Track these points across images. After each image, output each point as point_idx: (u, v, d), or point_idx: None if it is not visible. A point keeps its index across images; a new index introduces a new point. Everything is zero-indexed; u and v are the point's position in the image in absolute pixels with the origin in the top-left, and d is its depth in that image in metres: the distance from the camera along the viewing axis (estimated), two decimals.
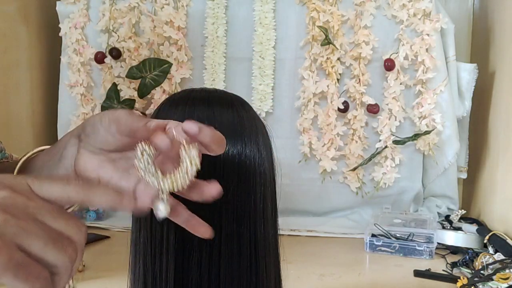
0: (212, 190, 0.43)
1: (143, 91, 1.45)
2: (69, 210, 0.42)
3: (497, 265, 1.09)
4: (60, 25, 1.50)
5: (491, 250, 1.21)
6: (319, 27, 1.41)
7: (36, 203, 0.33)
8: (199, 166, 0.41)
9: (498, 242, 1.21)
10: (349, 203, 1.54)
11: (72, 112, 1.51)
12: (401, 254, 1.26)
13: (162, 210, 0.41)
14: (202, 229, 0.46)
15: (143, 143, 0.40)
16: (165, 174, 0.41)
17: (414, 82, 1.45)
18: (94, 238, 1.31)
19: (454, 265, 1.17)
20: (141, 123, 0.41)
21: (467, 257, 1.17)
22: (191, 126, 0.40)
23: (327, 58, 1.44)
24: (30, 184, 0.34)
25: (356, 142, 1.46)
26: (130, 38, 1.46)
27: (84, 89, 1.49)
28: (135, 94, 1.46)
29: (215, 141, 0.41)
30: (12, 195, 0.32)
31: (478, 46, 1.61)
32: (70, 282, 0.40)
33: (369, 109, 1.46)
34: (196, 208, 0.52)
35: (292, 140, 1.49)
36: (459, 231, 1.33)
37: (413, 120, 1.45)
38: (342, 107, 1.45)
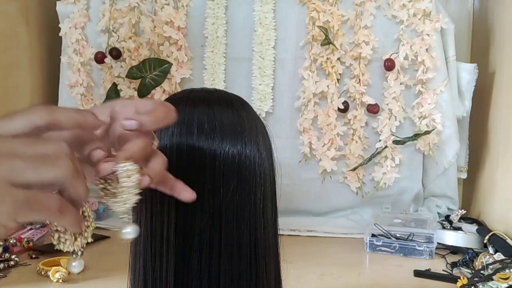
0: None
1: (143, 91, 1.45)
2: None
3: (497, 265, 1.09)
4: (60, 25, 1.50)
5: (491, 250, 1.21)
6: (319, 27, 1.41)
7: (5, 142, 0.32)
8: (136, 178, 0.41)
9: (498, 242, 1.21)
10: (349, 203, 1.54)
11: None
12: (401, 254, 1.26)
13: (130, 232, 0.42)
14: (187, 194, 0.47)
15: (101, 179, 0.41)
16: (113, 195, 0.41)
17: (414, 82, 1.45)
18: (94, 238, 1.31)
19: (454, 265, 1.17)
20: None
21: (467, 257, 1.17)
22: (131, 123, 0.40)
23: (327, 58, 1.44)
24: None
25: (356, 142, 1.46)
26: (130, 38, 1.46)
27: (84, 89, 1.49)
28: (135, 94, 1.46)
29: (159, 121, 0.42)
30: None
31: (478, 46, 1.61)
32: (87, 209, 0.40)
33: (369, 109, 1.46)
34: (196, 208, 0.52)
35: (292, 140, 1.49)
36: (459, 231, 1.33)
37: (413, 120, 1.45)
38: (342, 107, 1.45)
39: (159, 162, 0.44)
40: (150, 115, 0.41)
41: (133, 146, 0.40)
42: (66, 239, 0.39)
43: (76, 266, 0.39)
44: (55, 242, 0.40)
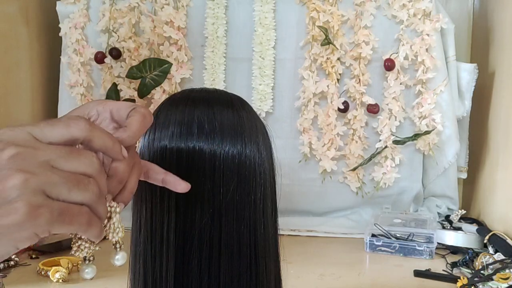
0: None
1: (143, 91, 1.45)
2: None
3: (497, 265, 1.09)
4: (60, 25, 1.50)
5: (491, 250, 1.21)
6: (319, 27, 1.41)
7: (44, 150, 0.33)
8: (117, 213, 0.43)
9: (498, 242, 1.21)
10: (349, 203, 1.54)
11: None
12: (401, 254, 1.27)
13: (119, 259, 0.45)
14: (180, 186, 0.48)
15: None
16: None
17: (414, 82, 1.45)
18: None
19: (454, 265, 1.17)
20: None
21: (467, 257, 1.17)
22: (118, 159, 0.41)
23: (327, 58, 1.44)
24: (31, 132, 0.34)
25: (356, 142, 1.46)
26: (130, 38, 1.46)
27: (84, 89, 1.49)
28: (135, 94, 1.46)
29: (136, 135, 0.43)
30: (19, 151, 0.32)
31: (478, 46, 1.61)
32: (114, 206, 0.42)
33: (369, 109, 1.46)
34: (196, 208, 0.52)
35: (292, 140, 1.49)
36: (459, 231, 1.33)
37: (413, 120, 1.45)
38: (342, 107, 1.45)
39: (134, 179, 0.45)
40: (126, 131, 0.42)
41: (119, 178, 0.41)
42: (85, 247, 0.42)
43: (89, 272, 0.40)
44: (74, 249, 0.42)
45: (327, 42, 1.41)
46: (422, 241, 1.27)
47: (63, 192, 0.33)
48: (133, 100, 1.46)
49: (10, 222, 0.31)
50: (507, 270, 1.05)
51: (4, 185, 0.31)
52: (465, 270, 1.13)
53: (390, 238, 1.29)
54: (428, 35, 1.41)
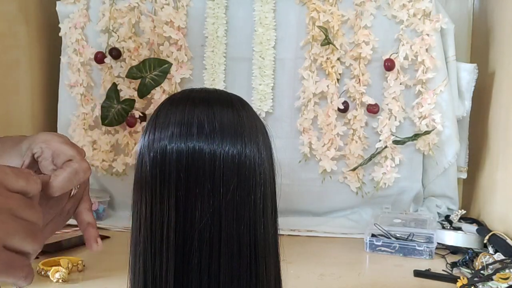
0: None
1: (143, 91, 1.45)
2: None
3: (497, 265, 1.09)
4: (60, 25, 1.50)
5: (491, 250, 1.21)
6: (319, 27, 1.41)
7: (12, 200, 0.36)
8: None
9: (498, 242, 1.21)
10: (349, 203, 1.54)
11: (72, 112, 1.51)
12: (401, 254, 1.27)
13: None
14: (93, 245, 0.49)
15: None
16: None
17: (414, 82, 1.45)
18: None
19: (454, 265, 1.17)
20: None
21: (467, 257, 1.17)
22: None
23: (327, 58, 1.44)
24: (2, 181, 0.36)
25: (356, 142, 1.46)
26: (130, 38, 1.46)
27: (84, 89, 1.49)
28: (135, 94, 1.46)
29: (63, 189, 0.45)
30: None
31: (478, 46, 1.61)
32: None
33: (369, 109, 1.46)
34: (196, 208, 0.52)
35: (292, 140, 1.49)
36: (459, 231, 1.33)
37: (413, 120, 1.45)
38: (342, 107, 1.45)
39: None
40: (51, 184, 0.43)
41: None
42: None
43: None
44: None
45: (327, 42, 1.41)
46: (422, 241, 1.27)
47: (18, 242, 0.35)
48: (133, 100, 1.46)
49: None
50: (507, 270, 1.05)
51: None
52: (465, 270, 1.13)
53: (390, 238, 1.29)
54: (428, 35, 1.41)
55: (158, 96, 1.46)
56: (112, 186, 1.56)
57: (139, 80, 1.45)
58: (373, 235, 1.31)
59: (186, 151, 0.52)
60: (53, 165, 0.48)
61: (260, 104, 1.47)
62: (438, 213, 1.53)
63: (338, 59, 1.44)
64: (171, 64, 1.44)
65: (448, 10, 1.49)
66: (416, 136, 1.44)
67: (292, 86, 1.48)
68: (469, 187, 1.58)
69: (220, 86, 1.47)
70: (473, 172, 1.54)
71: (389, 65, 1.42)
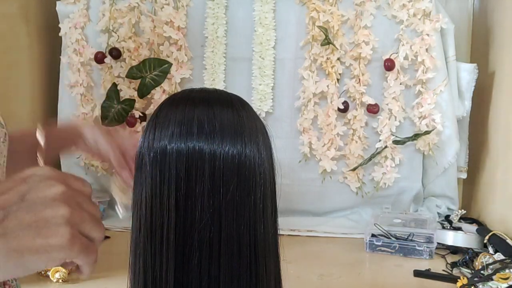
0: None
1: (143, 91, 1.45)
2: None
3: (497, 265, 1.09)
4: (60, 25, 1.50)
5: (491, 250, 1.21)
6: (319, 27, 1.41)
7: (78, 194, 0.43)
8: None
9: (498, 242, 1.21)
10: (349, 203, 1.54)
11: (72, 112, 1.51)
12: (401, 254, 1.27)
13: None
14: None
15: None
16: None
17: (414, 82, 1.45)
18: None
19: (454, 265, 1.17)
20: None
21: (467, 257, 1.17)
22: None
23: (327, 58, 1.44)
24: (66, 180, 0.43)
25: (356, 142, 1.46)
26: (130, 38, 1.46)
27: (84, 89, 1.49)
28: (135, 94, 1.46)
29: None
30: (65, 190, 0.42)
31: (478, 46, 1.61)
32: None
33: (369, 109, 1.46)
34: (196, 208, 0.52)
35: (292, 140, 1.49)
36: (459, 231, 1.33)
37: (413, 120, 1.45)
38: (342, 107, 1.45)
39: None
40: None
41: None
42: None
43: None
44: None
45: (327, 42, 1.41)
46: (422, 241, 1.27)
47: (88, 228, 0.42)
48: (133, 100, 1.46)
49: (56, 243, 0.39)
50: (507, 270, 1.05)
51: (56, 212, 0.40)
52: (465, 270, 1.13)
53: (390, 238, 1.29)
54: (428, 35, 1.41)
55: (158, 96, 1.46)
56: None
57: (139, 80, 1.45)
58: (373, 235, 1.31)
59: (186, 151, 0.52)
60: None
61: (260, 104, 1.47)
62: (438, 213, 1.53)
63: (338, 59, 1.44)
64: (171, 64, 1.44)
65: (448, 10, 1.49)
66: (416, 136, 1.44)
67: (292, 86, 1.48)
68: (469, 187, 1.58)
69: (220, 86, 1.47)
70: (473, 172, 1.54)
71: (389, 65, 1.42)
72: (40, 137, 0.71)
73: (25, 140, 0.73)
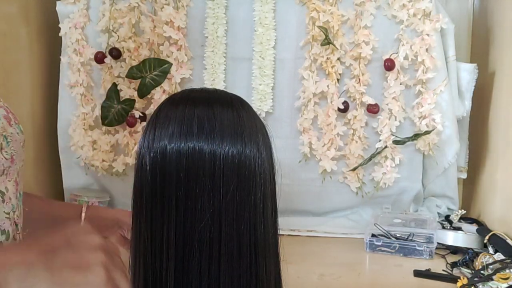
0: None
1: (143, 91, 1.45)
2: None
3: (497, 265, 1.09)
4: (60, 25, 1.50)
5: (491, 250, 1.22)
6: (319, 27, 1.41)
7: (113, 249, 0.53)
8: None
9: (498, 242, 1.21)
10: (349, 203, 1.54)
11: (72, 112, 1.51)
12: (401, 254, 1.27)
13: None
14: None
15: None
16: None
17: (414, 82, 1.45)
18: None
19: (454, 265, 1.17)
20: None
21: (467, 257, 1.17)
22: None
23: (327, 58, 1.44)
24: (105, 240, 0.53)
25: (356, 142, 1.46)
26: (130, 38, 1.46)
27: (84, 89, 1.49)
28: (135, 94, 1.46)
29: None
30: (105, 243, 0.52)
31: (478, 46, 1.61)
32: None
33: (369, 109, 1.46)
34: (196, 208, 0.52)
35: (292, 140, 1.49)
36: (459, 231, 1.33)
37: (413, 120, 1.45)
38: (342, 107, 1.45)
39: None
40: None
41: None
42: None
43: None
44: None
45: (327, 42, 1.41)
46: (422, 241, 1.27)
47: (117, 276, 0.51)
48: (133, 100, 1.46)
49: (93, 280, 0.49)
50: (507, 270, 1.05)
51: (96, 257, 0.50)
52: (465, 270, 1.13)
53: (390, 238, 1.29)
54: (428, 35, 1.41)
55: (158, 96, 1.46)
56: (112, 186, 1.56)
57: (139, 80, 1.45)
58: (373, 235, 1.31)
59: (186, 151, 0.52)
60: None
61: (260, 104, 1.47)
62: (438, 213, 1.53)
63: (338, 59, 1.44)
64: (171, 64, 1.44)
65: (448, 10, 1.49)
66: (416, 136, 1.44)
67: (292, 86, 1.48)
68: (469, 187, 1.58)
69: (220, 86, 1.47)
70: (473, 172, 1.54)
71: (389, 65, 1.42)
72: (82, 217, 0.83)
73: (69, 211, 0.86)
